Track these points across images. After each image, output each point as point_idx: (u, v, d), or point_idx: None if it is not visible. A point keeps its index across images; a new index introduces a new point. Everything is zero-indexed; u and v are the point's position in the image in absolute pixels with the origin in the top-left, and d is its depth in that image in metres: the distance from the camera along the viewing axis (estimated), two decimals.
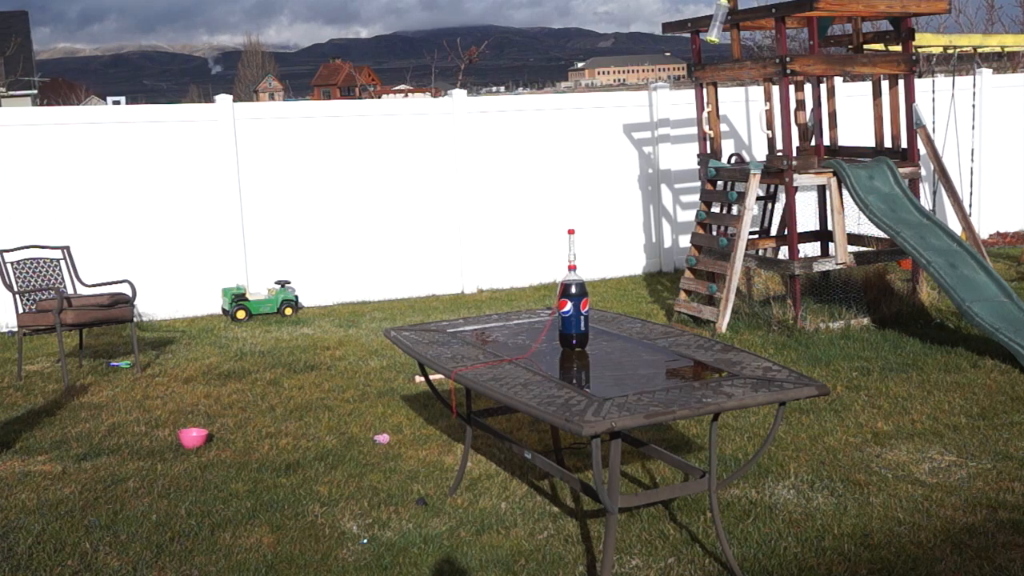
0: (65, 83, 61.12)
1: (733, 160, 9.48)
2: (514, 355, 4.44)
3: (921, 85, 10.63)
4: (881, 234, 8.23)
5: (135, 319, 7.84)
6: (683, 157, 11.25)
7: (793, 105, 8.39)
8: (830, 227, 8.78)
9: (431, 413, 6.24)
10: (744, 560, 4.11)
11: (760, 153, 11.40)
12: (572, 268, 4.51)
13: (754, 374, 3.97)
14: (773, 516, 4.51)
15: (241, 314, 9.39)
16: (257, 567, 4.19)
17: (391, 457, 5.48)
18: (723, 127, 11.17)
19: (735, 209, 8.48)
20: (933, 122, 10.87)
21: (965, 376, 6.64)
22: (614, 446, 3.69)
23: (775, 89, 8.43)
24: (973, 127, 11.51)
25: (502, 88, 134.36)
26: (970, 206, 11.35)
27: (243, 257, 9.86)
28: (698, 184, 10.69)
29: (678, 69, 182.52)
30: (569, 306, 4.43)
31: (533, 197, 10.89)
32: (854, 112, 10.99)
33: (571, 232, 4.68)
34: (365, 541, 4.42)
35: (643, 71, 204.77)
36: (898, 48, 8.77)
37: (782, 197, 8.97)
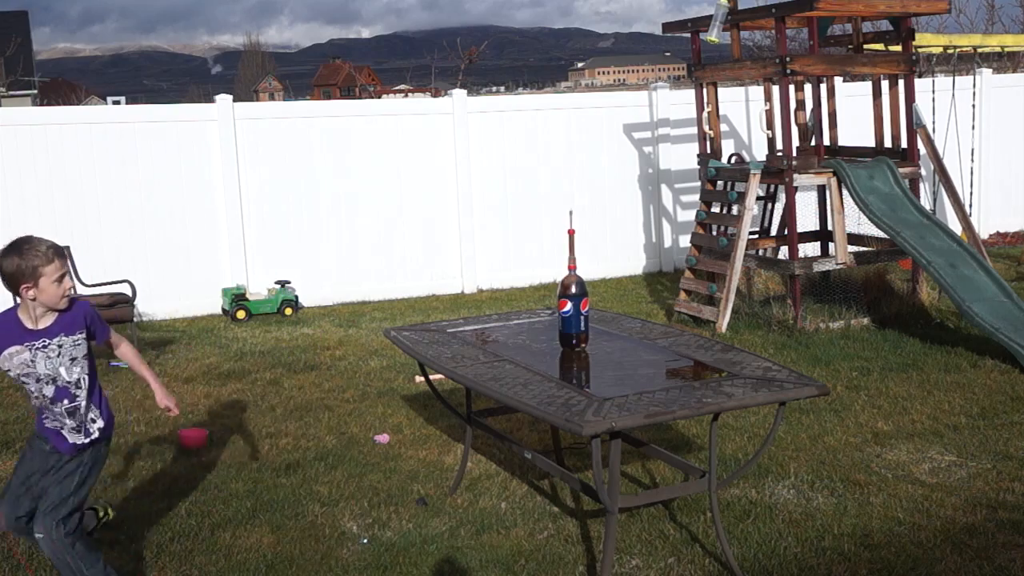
0: (65, 83, 61.11)
1: (733, 160, 9.47)
2: (514, 355, 4.44)
3: (921, 85, 10.61)
4: (881, 234, 8.22)
5: (135, 319, 7.84)
6: (683, 157, 11.25)
7: (793, 105, 8.38)
8: (830, 227, 8.78)
9: (431, 413, 6.24)
10: (744, 560, 4.11)
11: (760, 153, 11.39)
12: (572, 268, 4.51)
13: (754, 374, 3.97)
14: (773, 516, 4.51)
15: (241, 314, 9.39)
16: (257, 567, 4.19)
17: (391, 457, 5.48)
18: (723, 127, 11.16)
19: (735, 209, 8.48)
20: (933, 122, 10.86)
21: (965, 376, 6.64)
22: (614, 446, 3.69)
23: (775, 89, 8.43)
24: (973, 127, 11.50)
25: (502, 88, 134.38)
26: (970, 206, 11.33)
27: (243, 257, 9.86)
28: (698, 184, 10.68)
29: (678, 69, 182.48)
30: (569, 306, 4.43)
31: (533, 197, 10.89)
32: (854, 112, 10.97)
33: (571, 232, 4.69)
34: (365, 541, 4.42)
35: (643, 71, 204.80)
36: (898, 48, 8.77)
37: (782, 197, 8.97)
